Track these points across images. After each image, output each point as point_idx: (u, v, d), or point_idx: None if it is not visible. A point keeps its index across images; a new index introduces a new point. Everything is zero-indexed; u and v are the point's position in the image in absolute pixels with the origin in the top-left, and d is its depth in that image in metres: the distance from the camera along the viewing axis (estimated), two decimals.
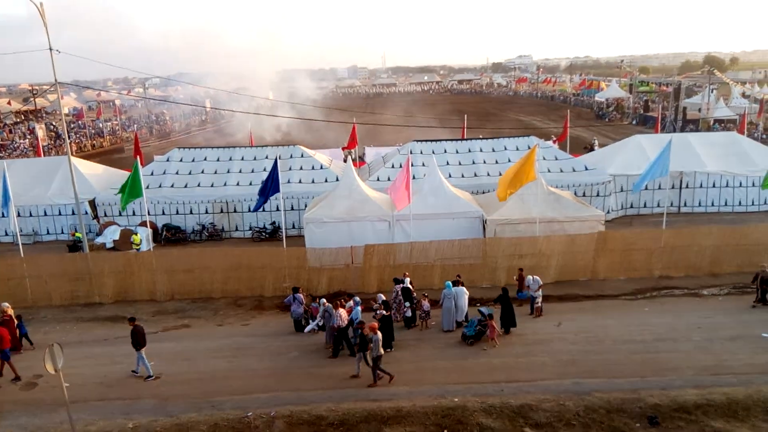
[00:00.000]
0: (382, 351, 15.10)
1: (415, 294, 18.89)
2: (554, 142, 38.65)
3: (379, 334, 15.12)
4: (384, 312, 17.09)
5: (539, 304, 19.18)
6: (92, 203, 29.31)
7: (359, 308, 17.55)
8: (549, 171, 29.05)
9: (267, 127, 57.79)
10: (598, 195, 29.24)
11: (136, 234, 25.93)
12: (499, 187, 22.62)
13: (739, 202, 30.53)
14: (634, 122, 69.92)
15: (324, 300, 18.19)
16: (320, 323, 17.99)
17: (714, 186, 30.51)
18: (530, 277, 19.29)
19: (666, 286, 21.46)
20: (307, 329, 18.50)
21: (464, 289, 18.39)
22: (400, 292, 18.58)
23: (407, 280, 19.28)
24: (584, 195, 28.76)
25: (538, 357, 16.23)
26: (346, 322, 16.88)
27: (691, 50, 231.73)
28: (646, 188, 29.65)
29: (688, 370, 15.14)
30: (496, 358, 16.27)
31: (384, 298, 18.00)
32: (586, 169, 30.06)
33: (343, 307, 17.45)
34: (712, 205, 30.66)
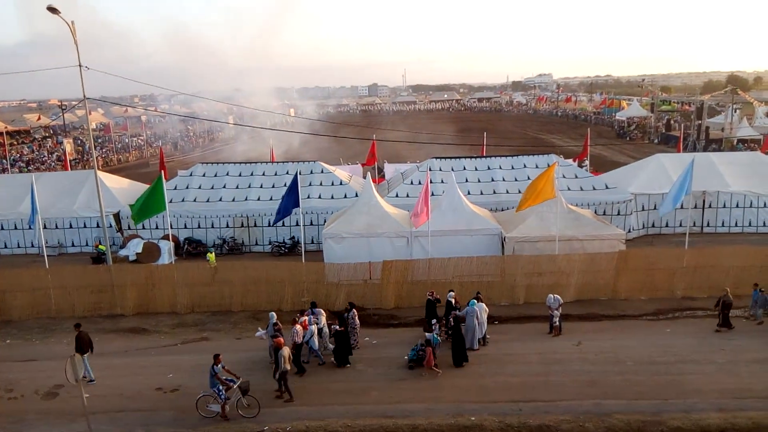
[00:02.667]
0: (287, 367, 15.08)
1: (459, 308, 18.46)
2: (574, 160, 38.42)
3: (286, 350, 15.14)
4: (338, 327, 17.21)
5: (557, 323, 18.99)
6: (117, 216, 29.88)
7: (314, 326, 17.42)
8: (569, 189, 28.91)
9: (276, 143, 58.18)
10: (618, 214, 28.99)
11: (211, 253, 25.63)
12: (519, 203, 22.67)
13: (764, 223, 30.00)
14: (655, 141, 69.32)
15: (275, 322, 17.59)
16: (264, 336, 17.80)
17: (738, 206, 30.04)
18: (550, 295, 19.12)
19: (689, 307, 21.12)
20: (257, 334, 18.27)
21: (484, 305, 18.28)
22: (356, 316, 18.42)
23: (451, 294, 19.11)
24: (605, 214, 28.54)
25: (557, 377, 16.03)
26: (302, 338, 16.74)
27: (713, 69, 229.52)
28: None
29: (711, 393, 14.83)
30: (513, 377, 16.12)
31: (322, 310, 18.30)
32: (607, 187, 29.85)
33: (300, 322, 17.26)
34: (736, 225, 30.17)
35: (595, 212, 27.37)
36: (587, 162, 46.46)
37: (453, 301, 18.86)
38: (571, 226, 23.46)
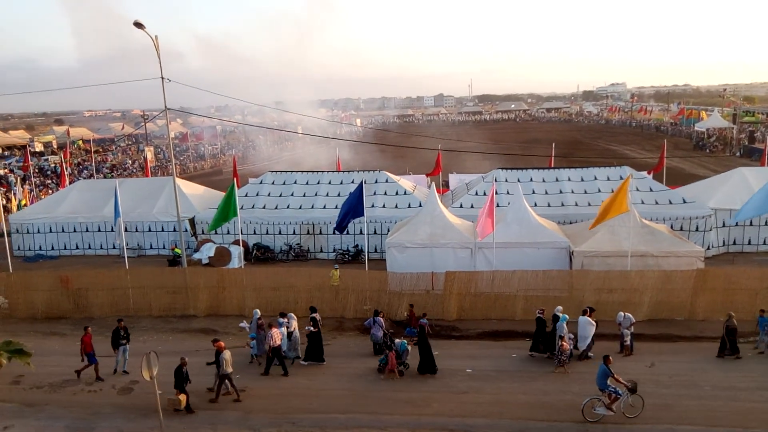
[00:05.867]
0: (229, 369, 15.63)
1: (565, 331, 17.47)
2: (649, 172, 36.84)
3: (227, 353, 15.53)
4: (312, 329, 17.85)
5: (628, 343, 18.21)
6: (192, 221, 31.23)
7: (284, 329, 17.91)
8: (643, 203, 27.78)
9: (337, 153, 59.02)
10: (697, 230, 27.53)
11: (336, 269, 23.29)
12: (595, 220, 22.08)
13: None
14: (737, 154, 65.55)
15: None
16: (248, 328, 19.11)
17: None
18: (621, 313, 18.39)
19: None
20: (240, 324, 19.72)
21: (588, 319, 17.66)
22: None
23: (559, 309, 18.16)
24: (681, 229, 27.17)
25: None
26: (278, 342, 17.18)
27: None
28: (751, 224, 27.70)
29: None
30: (581, 397, 15.51)
31: (293, 315, 18.98)
32: (685, 201, 28.46)
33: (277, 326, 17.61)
34: None
35: (672, 228, 26.14)
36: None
37: (559, 314, 18.02)
38: (644, 242, 22.51)
